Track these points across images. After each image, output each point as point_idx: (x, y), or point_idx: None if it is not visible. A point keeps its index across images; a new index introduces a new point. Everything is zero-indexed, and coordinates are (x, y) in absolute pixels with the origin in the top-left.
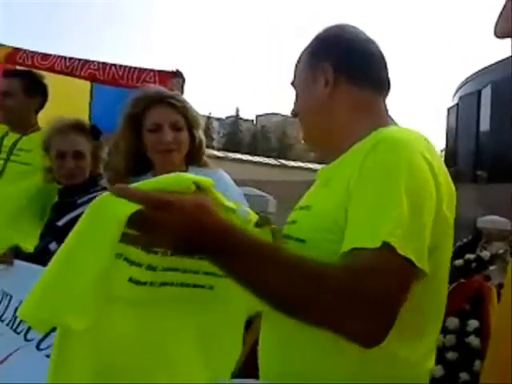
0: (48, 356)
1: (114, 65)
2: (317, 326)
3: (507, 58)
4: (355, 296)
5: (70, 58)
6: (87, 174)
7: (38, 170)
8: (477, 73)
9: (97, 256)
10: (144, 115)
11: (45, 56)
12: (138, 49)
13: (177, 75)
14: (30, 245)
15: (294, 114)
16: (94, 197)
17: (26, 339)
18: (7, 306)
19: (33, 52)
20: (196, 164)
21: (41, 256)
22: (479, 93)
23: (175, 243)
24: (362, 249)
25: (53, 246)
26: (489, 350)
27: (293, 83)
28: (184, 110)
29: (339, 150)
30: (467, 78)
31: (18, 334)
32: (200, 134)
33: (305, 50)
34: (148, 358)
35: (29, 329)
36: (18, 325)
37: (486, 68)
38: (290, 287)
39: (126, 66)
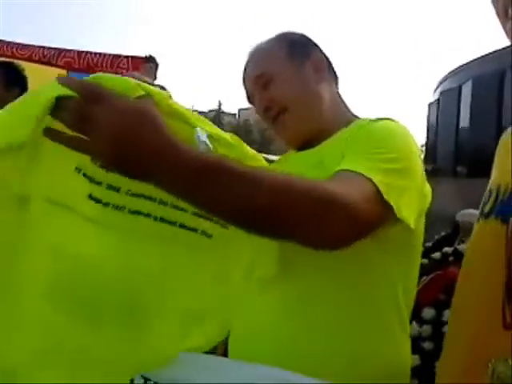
0: None
1: (89, 52)
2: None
3: (488, 54)
4: (324, 199)
5: (48, 48)
6: None
7: None
8: (457, 68)
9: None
10: None
11: (23, 46)
12: (123, 41)
13: (149, 60)
14: None
15: (268, 109)
16: None
17: None
18: None
19: (11, 43)
20: None
21: None
22: (460, 88)
23: (102, 148)
24: (349, 170)
25: None
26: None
27: (260, 76)
28: None
29: (319, 139)
30: (448, 74)
31: None
32: None
33: (277, 49)
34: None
35: None
36: None
37: (466, 64)
38: (264, 197)
39: (100, 53)
